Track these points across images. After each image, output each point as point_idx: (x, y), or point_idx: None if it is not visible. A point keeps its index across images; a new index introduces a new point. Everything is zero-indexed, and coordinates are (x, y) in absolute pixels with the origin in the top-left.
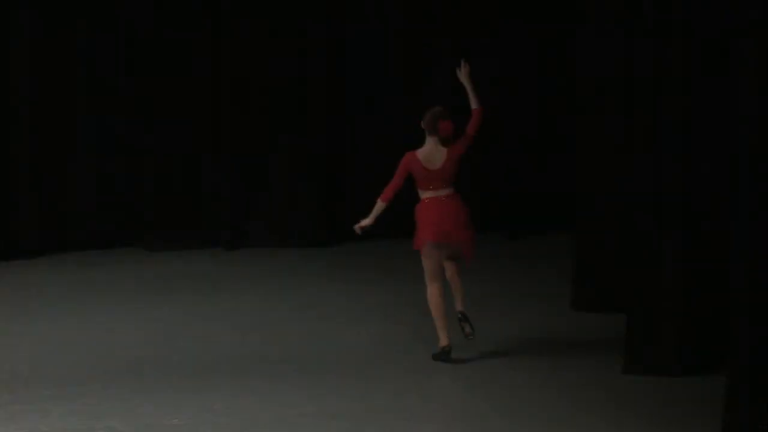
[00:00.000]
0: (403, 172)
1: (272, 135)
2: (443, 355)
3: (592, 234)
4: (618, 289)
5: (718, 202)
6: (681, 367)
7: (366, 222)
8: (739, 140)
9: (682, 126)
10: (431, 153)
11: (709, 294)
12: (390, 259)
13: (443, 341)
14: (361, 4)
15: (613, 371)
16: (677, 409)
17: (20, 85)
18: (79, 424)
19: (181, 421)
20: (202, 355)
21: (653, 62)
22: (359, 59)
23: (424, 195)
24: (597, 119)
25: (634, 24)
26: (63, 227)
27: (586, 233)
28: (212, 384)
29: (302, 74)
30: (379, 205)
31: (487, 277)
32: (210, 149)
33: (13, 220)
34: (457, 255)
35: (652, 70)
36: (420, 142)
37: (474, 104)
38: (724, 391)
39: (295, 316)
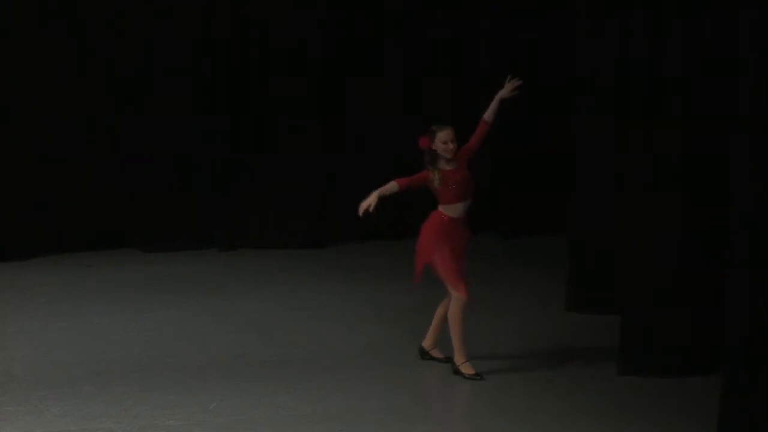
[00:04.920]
0: None
1: (269, 135)
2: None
3: (587, 234)
4: (613, 290)
5: (715, 202)
6: (677, 368)
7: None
8: (739, 140)
9: (680, 126)
10: None
11: (705, 294)
12: (386, 260)
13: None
14: (360, 5)
15: (608, 372)
16: (673, 410)
17: (16, 85)
18: (74, 425)
19: (178, 422)
20: (197, 356)
21: (650, 61)
22: (358, 59)
23: None
24: (593, 119)
25: (631, 23)
26: (58, 228)
27: (581, 234)
28: (207, 385)
29: (299, 74)
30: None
31: (480, 278)
32: (206, 150)
33: (9, 221)
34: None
35: (650, 69)
36: (415, 149)
37: (488, 117)
38: (719, 392)
39: (290, 317)
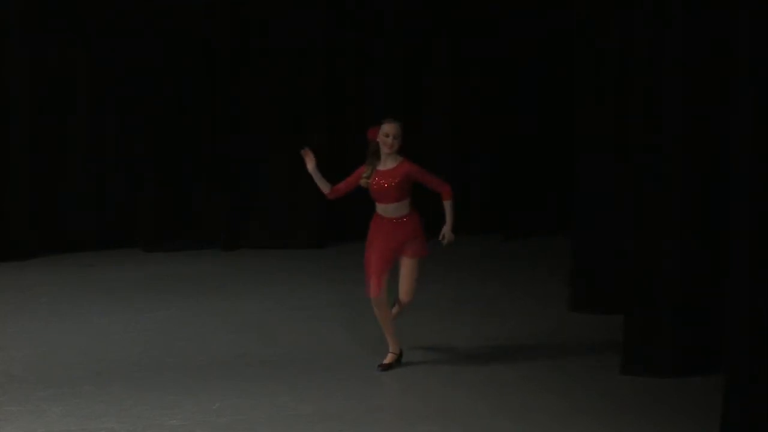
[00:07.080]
0: None
1: (270, 135)
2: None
3: (589, 234)
4: (615, 290)
5: (717, 202)
6: (679, 368)
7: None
8: (739, 139)
9: (681, 126)
10: None
11: (707, 294)
12: None
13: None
14: (360, 6)
15: (610, 372)
16: (675, 409)
17: (17, 85)
18: (75, 424)
19: (179, 422)
20: (198, 356)
21: (652, 61)
22: (358, 60)
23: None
24: (595, 118)
25: (632, 22)
26: (59, 228)
27: (581, 234)
28: (208, 385)
29: (301, 74)
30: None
31: (482, 278)
32: (208, 149)
33: (10, 220)
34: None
35: (651, 68)
36: (413, 144)
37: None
38: (722, 391)
39: (290, 317)
